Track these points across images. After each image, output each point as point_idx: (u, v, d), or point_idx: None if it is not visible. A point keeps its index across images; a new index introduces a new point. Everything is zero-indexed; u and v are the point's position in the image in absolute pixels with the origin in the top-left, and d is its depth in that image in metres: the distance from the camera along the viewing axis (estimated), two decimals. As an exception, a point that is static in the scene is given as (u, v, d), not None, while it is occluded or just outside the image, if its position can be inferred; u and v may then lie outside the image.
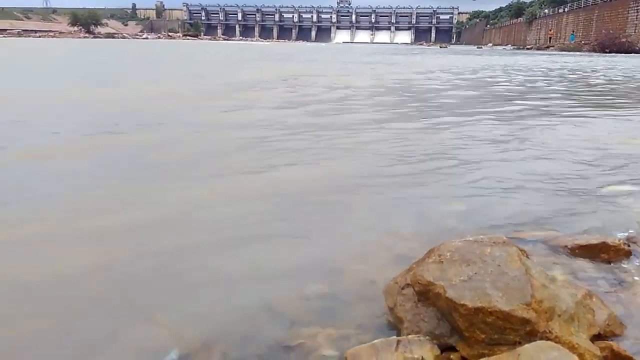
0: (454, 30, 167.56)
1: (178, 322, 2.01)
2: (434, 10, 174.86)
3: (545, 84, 13.81)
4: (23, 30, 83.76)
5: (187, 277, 2.39)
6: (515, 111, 8.15)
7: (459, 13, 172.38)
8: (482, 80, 15.19)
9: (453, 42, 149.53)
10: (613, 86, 13.62)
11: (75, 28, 78.51)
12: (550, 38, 60.42)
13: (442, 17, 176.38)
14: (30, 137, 5.50)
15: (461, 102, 9.31)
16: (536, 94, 11.27)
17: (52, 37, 62.91)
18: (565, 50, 36.38)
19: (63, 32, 69.32)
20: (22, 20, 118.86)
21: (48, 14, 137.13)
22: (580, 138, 5.66)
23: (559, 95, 11.03)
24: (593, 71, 19.87)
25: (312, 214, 3.26)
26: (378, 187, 3.73)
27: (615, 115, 7.88)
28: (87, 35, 67.75)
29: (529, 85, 13.67)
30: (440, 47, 48.79)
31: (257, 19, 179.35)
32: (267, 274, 2.45)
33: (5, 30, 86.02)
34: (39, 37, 59.94)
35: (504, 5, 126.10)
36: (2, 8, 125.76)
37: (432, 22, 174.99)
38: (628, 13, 46.22)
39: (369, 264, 2.51)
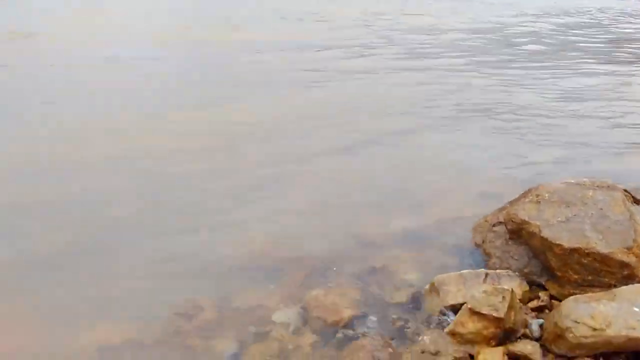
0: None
1: (274, 237, 2.16)
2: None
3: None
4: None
5: (282, 199, 2.53)
6: None
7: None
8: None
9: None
10: None
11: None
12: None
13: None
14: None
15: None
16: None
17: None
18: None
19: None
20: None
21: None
22: None
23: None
24: None
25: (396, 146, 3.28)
26: (474, 128, 3.63)
27: None
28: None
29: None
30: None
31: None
32: (356, 203, 2.53)
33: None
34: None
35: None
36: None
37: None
38: None
39: (457, 200, 2.52)
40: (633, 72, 5.97)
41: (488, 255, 1.80)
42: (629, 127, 3.77)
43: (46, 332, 1.65)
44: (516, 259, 1.73)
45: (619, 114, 4.08)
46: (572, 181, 1.78)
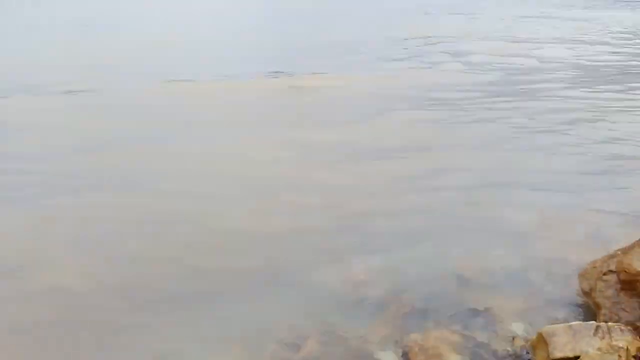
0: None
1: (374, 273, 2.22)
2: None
3: None
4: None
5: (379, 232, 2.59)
6: None
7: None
8: None
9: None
10: None
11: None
12: None
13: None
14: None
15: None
16: None
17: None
18: None
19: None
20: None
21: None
22: None
23: None
24: None
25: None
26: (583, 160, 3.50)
27: None
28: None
29: None
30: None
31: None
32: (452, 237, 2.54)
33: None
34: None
35: None
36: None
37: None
38: None
39: (561, 238, 2.45)
40: None
41: (597, 305, 1.75)
42: None
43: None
44: (628, 312, 1.67)
45: None
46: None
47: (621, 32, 10.32)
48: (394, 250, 2.40)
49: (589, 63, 7.25)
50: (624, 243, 1.94)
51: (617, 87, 5.79)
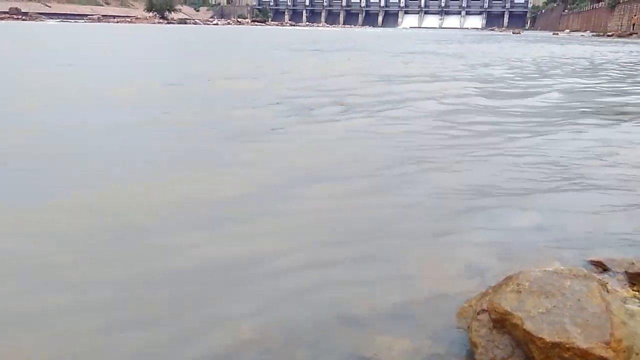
0: (528, 15, 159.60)
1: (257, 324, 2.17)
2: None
3: None
4: (102, 15, 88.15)
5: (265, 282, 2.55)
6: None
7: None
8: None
9: (527, 27, 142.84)
10: None
11: (151, 14, 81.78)
12: (633, 25, 56.41)
13: (516, 1, 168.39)
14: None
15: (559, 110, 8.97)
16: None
17: (130, 22, 65.81)
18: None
19: (139, 18, 72.43)
20: (102, 5, 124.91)
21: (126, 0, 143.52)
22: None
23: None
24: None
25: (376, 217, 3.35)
26: (452, 197, 3.75)
27: None
28: (161, 21, 70.40)
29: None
30: (513, 33, 46.36)
31: (325, 3, 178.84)
32: (341, 280, 2.57)
33: (87, 15, 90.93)
34: (117, 22, 62.87)
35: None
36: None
37: (505, 6, 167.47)
38: None
39: (442, 274, 2.59)
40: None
41: (474, 344, 1.85)
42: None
43: None
44: (501, 349, 1.78)
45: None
46: (551, 269, 1.87)
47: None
48: (267, 294, 2.38)
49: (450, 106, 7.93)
50: (502, 277, 2.10)
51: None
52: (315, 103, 7.73)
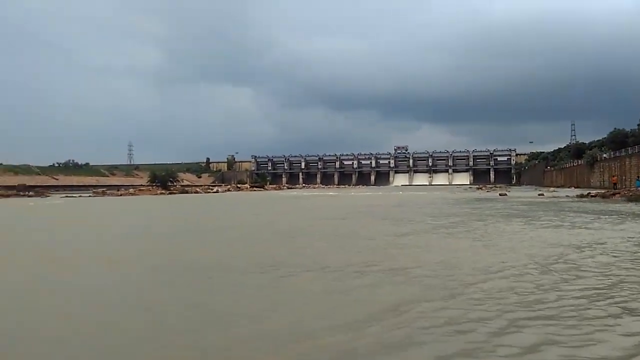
0: (513, 171, 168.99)
1: None
2: (490, 153, 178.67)
3: None
4: (107, 186, 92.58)
5: None
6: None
7: (516, 155, 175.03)
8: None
9: (513, 182, 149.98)
10: None
11: (152, 185, 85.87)
12: (614, 184, 59.22)
13: (499, 158, 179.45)
14: None
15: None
16: None
17: (133, 194, 68.75)
18: (634, 201, 34.24)
19: (142, 190, 75.81)
20: (107, 176, 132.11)
21: (131, 170, 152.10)
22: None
23: None
24: None
25: None
26: None
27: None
28: (163, 191, 73.61)
29: None
30: (500, 195, 48.01)
31: (319, 166, 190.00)
32: None
33: (93, 186, 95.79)
34: (121, 195, 65.55)
35: (562, 147, 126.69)
36: (91, 165, 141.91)
37: (489, 163, 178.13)
38: None
39: None
40: None
41: None
42: None
43: None
44: None
45: None
46: None
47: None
48: None
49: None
50: None
51: None
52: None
